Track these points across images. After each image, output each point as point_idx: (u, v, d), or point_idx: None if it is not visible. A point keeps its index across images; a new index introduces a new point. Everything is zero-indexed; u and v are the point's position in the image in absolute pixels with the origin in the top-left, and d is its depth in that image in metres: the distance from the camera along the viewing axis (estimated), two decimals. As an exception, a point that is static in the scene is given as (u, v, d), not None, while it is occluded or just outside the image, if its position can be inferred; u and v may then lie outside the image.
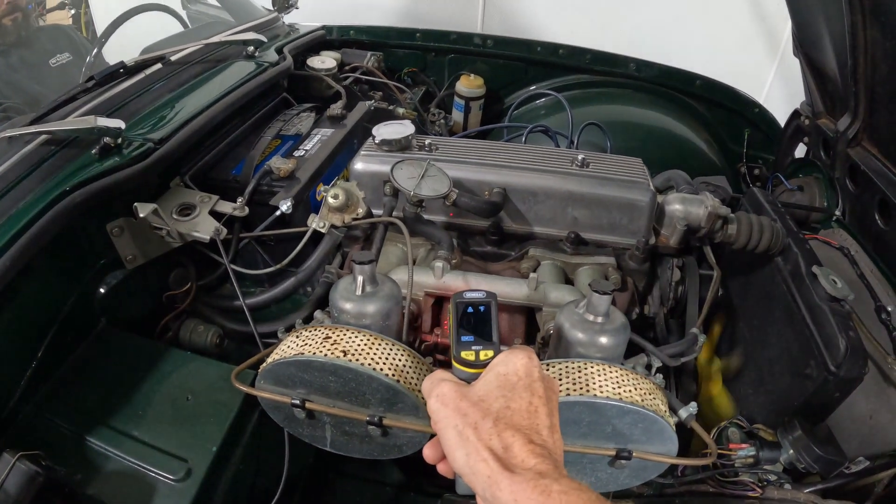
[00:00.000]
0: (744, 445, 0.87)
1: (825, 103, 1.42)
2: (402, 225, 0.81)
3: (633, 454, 0.61)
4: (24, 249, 0.69)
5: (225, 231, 0.85)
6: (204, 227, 0.84)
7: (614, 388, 0.59)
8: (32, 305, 0.76)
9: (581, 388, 0.59)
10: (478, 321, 0.55)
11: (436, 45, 1.65)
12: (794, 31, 1.42)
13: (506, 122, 1.53)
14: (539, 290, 0.85)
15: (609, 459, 0.62)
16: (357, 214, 0.90)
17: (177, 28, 1.71)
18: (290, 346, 0.63)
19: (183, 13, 1.83)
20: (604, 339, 0.65)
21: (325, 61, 1.39)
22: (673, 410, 0.71)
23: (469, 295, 0.56)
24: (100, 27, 2.19)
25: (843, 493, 0.87)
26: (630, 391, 0.60)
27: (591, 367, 0.62)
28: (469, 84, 1.61)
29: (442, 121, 1.61)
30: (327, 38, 1.60)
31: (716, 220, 1.02)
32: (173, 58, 1.05)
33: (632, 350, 0.83)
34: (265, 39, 1.28)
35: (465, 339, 0.52)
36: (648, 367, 0.76)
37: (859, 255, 1.21)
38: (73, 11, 2.04)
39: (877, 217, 1.17)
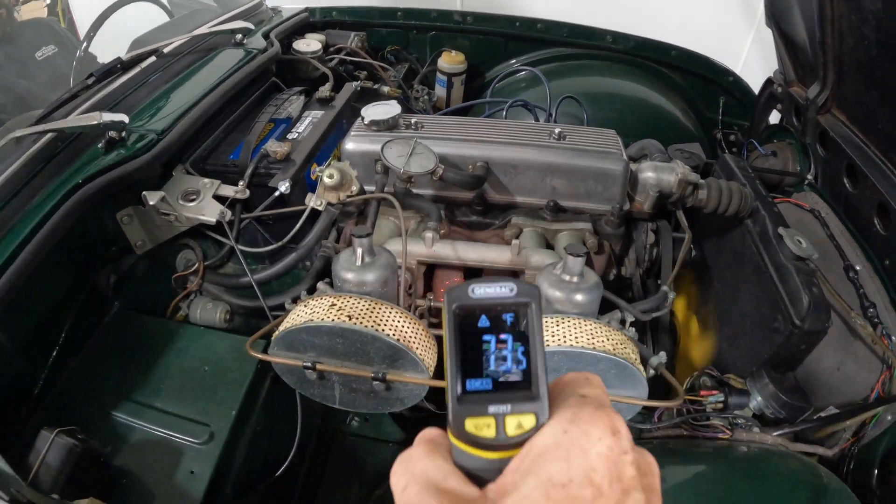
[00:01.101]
0: (713, 392, 0.96)
1: (796, 72, 1.48)
2: (395, 200, 0.88)
3: (611, 398, 0.70)
4: (44, 242, 0.75)
5: (230, 213, 0.91)
6: (209, 211, 0.90)
7: (588, 339, 0.67)
8: (52, 293, 0.82)
9: (559, 340, 0.67)
10: (499, 346, 0.28)
11: (417, 23, 1.68)
12: (767, 2, 1.46)
13: (487, 97, 1.57)
14: (521, 254, 0.92)
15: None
16: (351, 192, 0.96)
17: (160, 15, 1.70)
18: (300, 315, 0.70)
19: (166, 1, 1.82)
20: (579, 297, 0.73)
21: (310, 44, 1.42)
22: (644, 360, 0.79)
23: (480, 291, 0.28)
24: (77, 16, 2.16)
25: (811, 439, 0.96)
26: (603, 341, 0.68)
27: (568, 321, 0.70)
28: (451, 60, 1.64)
29: (426, 97, 1.65)
30: (310, 21, 1.62)
31: (686, 186, 1.09)
32: (166, 50, 1.08)
33: (608, 307, 0.91)
34: (252, 27, 1.31)
35: (473, 385, 0.27)
36: (623, 322, 0.84)
37: (829, 217, 1.29)
38: (48, 1, 2.02)
39: (845, 181, 1.24)
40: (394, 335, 0.67)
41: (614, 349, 0.68)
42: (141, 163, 0.85)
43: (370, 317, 0.68)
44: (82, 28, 1.89)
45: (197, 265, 0.96)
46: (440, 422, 0.28)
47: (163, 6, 1.69)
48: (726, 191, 1.10)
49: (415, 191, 1.01)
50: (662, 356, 0.79)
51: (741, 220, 1.15)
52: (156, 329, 0.89)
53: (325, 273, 1.00)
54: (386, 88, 1.47)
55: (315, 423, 1.04)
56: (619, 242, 1.10)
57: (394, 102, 1.06)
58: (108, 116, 0.85)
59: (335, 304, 0.69)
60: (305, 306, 0.72)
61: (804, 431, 0.94)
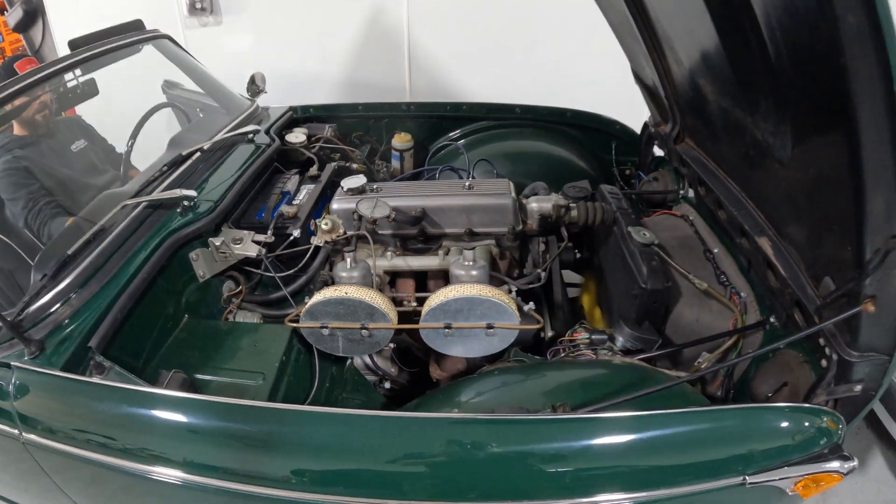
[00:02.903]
0: (580, 333, 1.60)
1: (660, 114, 2.19)
2: (368, 235, 1.56)
3: (495, 325, 1.35)
4: (149, 272, 1.37)
5: (264, 250, 1.56)
6: (251, 249, 1.55)
7: (477, 291, 1.33)
8: (154, 305, 1.44)
9: (459, 292, 1.33)
10: None
11: (374, 113, 2.44)
12: (630, 64, 2.22)
13: (426, 165, 2.31)
14: (445, 259, 1.60)
15: (484, 331, 1.35)
16: (339, 234, 1.64)
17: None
18: (318, 297, 1.35)
19: (164, 97, 2.51)
20: (473, 272, 1.40)
21: (297, 136, 2.15)
22: (520, 308, 1.44)
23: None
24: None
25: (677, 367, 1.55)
26: (485, 292, 1.34)
27: (466, 285, 1.36)
28: (401, 140, 2.39)
29: (385, 169, 2.37)
30: (294, 116, 2.36)
31: (560, 209, 1.80)
32: (205, 147, 1.78)
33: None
34: (260, 128, 2.02)
35: None
36: (508, 290, 1.50)
37: (696, 219, 1.94)
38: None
39: (699, 189, 1.89)
40: (370, 300, 1.32)
41: (492, 295, 1.34)
42: (207, 221, 1.51)
43: (357, 292, 1.33)
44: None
45: (241, 288, 1.60)
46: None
47: (181, 111, 2.40)
48: (591, 209, 1.80)
49: (379, 231, 1.70)
50: (531, 305, 1.45)
51: (609, 229, 1.85)
52: (219, 327, 1.51)
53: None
54: (355, 165, 2.19)
55: (326, 380, 1.62)
56: (517, 252, 1.79)
57: (361, 176, 1.77)
58: (184, 192, 1.52)
59: (338, 289, 1.35)
60: (319, 293, 1.37)
61: (673, 363, 1.55)
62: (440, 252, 1.63)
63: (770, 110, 1.20)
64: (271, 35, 2.93)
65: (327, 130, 2.30)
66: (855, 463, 1.07)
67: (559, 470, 1.00)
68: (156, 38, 1.99)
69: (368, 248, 1.66)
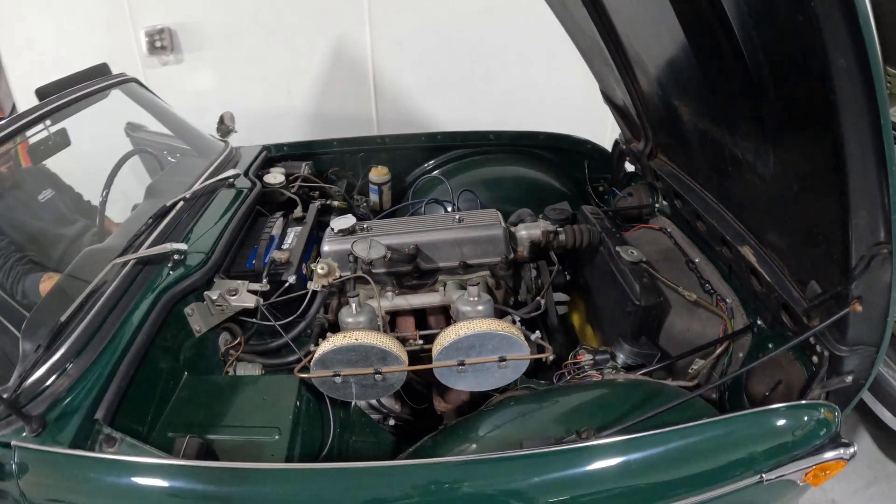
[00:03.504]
0: (584, 355, 1.66)
1: (631, 132, 2.30)
2: (368, 277, 1.57)
3: (508, 357, 1.38)
4: (148, 334, 1.34)
5: (262, 300, 1.55)
6: (248, 299, 1.53)
7: (487, 326, 1.37)
8: (153, 367, 1.40)
9: (470, 329, 1.36)
10: None
11: (349, 147, 2.46)
12: (599, 86, 2.34)
13: (409, 197, 2.35)
14: (446, 295, 1.64)
15: (496, 364, 1.39)
16: (336, 276, 1.64)
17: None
18: (328, 345, 1.35)
19: (127, 140, 2.45)
20: (479, 308, 1.44)
21: (276, 177, 2.14)
22: (527, 337, 1.49)
23: None
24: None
25: (674, 377, 1.63)
26: (494, 326, 1.38)
27: (475, 321, 1.39)
28: (378, 173, 2.42)
29: (365, 203, 2.39)
30: (269, 156, 2.36)
31: (549, 234, 1.87)
32: (187, 196, 1.75)
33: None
34: (240, 173, 2.00)
35: None
36: (513, 321, 1.54)
37: (674, 231, 2.05)
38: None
39: (675, 202, 2.01)
40: (381, 345, 1.34)
41: (502, 329, 1.38)
42: (200, 275, 1.49)
43: (367, 337, 1.34)
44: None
45: (239, 339, 1.58)
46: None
47: (151, 156, 2.34)
48: (578, 232, 1.89)
49: (374, 270, 1.71)
50: (538, 334, 1.50)
51: (596, 249, 1.94)
52: (221, 383, 1.47)
53: (322, 335, 1.65)
54: (335, 203, 2.21)
55: (337, 428, 1.61)
56: (510, 280, 1.84)
57: (350, 216, 1.79)
58: (175, 245, 1.49)
59: (347, 335, 1.35)
60: (328, 341, 1.37)
61: (671, 370, 1.63)
62: (440, 288, 1.66)
63: (750, 131, 1.31)
64: (234, 72, 2.92)
65: (304, 168, 2.30)
66: (855, 448, 1.19)
67: (601, 492, 1.06)
68: (124, 81, 1.96)
69: (366, 289, 1.68)
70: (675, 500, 1.10)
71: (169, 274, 1.49)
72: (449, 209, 2.22)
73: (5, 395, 1.10)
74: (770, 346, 1.51)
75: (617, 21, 1.71)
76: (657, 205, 2.23)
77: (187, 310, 1.50)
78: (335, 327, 1.76)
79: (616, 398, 1.38)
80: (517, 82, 3.22)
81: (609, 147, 2.52)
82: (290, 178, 2.24)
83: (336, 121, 3.12)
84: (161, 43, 2.73)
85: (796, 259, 1.38)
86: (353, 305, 1.42)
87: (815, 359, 1.31)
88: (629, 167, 2.44)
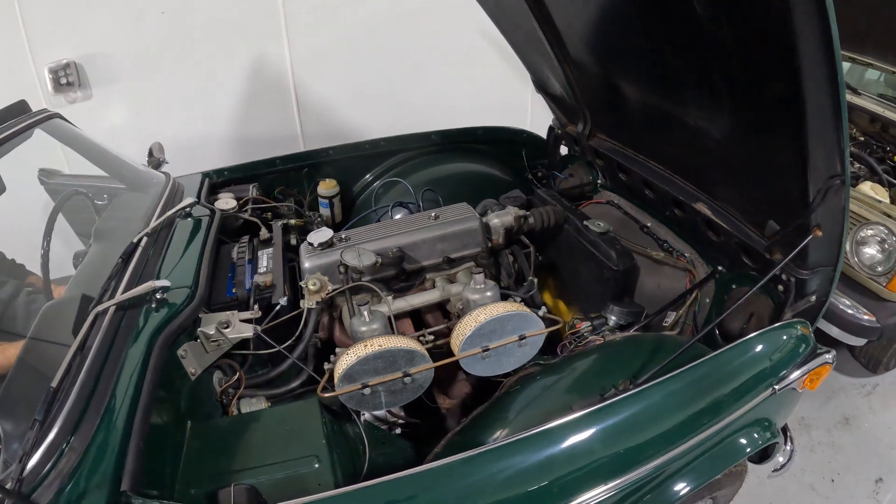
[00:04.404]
0: (583, 323, 1.76)
1: (566, 116, 2.44)
2: (371, 285, 1.55)
3: (527, 335, 1.43)
4: (151, 386, 1.20)
5: (259, 328, 1.46)
6: (245, 330, 1.44)
7: (502, 309, 1.41)
8: (160, 421, 1.26)
9: (488, 314, 1.39)
10: None
11: (293, 164, 2.38)
12: (532, 77, 2.46)
13: (373, 205, 2.32)
14: (445, 290, 1.65)
15: (517, 343, 1.43)
16: (328, 291, 1.59)
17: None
18: (350, 359, 1.31)
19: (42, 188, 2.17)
20: (489, 293, 1.48)
21: (227, 202, 2.02)
22: (535, 312, 1.56)
23: None
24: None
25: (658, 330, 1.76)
26: (509, 307, 1.42)
27: (490, 306, 1.43)
28: (327, 186, 2.36)
29: (319, 218, 2.33)
30: (213, 182, 2.21)
31: (520, 219, 1.95)
32: (148, 231, 1.60)
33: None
34: (197, 201, 1.85)
35: None
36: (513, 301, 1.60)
37: (621, 201, 2.23)
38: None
39: (620, 175, 2.16)
40: (407, 346, 1.32)
41: (516, 309, 1.43)
42: (191, 310, 1.36)
43: (391, 341, 1.32)
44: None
45: (238, 375, 1.47)
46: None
47: (93, 207, 2.07)
48: (545, 214, 1.98)
49: (363, 278, 1.68)
50: (543, 309, 1.57)
51: (561, 228, 2.05)
52: (232, 424, 1.35)
53: (317, 355, 1.60)
54: (293, 221, 2.12)
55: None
56: (492, 267, 1.90)
57: (326, 229, 1.74)
58: (157, 283, 1.36)
59: (367, 345, 1.32)
60: (348, 354, 1.33)
61: (649, 325, 1.78)
62: (434, 285, 1.67)
63: (703, 100, 1.47)
64: (148, 103, 2.68)
65: (252, 191, 2.19)
66: (834, 353, 1.39)
67: (656, 430, 1.20)
68: (47, 118, 1.74)
69: (358, 298, 1.64)
70: (721, 418, 1.26)
71: (153, 315, 1.35)
72: (412, 210, 2.23)
73: (8, 486, 0.94)
74: (733, 286, 1.72)
75: (556, 15, 1.84)
76: (599, 181, 2.41)
77: (180, 351, 1.37)
78: (328, 345, 1.71)
79: (627, 353, 1.48)
80: (437, 83, 3.29)
81: (539, 133, 2.68)
82: (241, 201, 2.12)
83: (260, 142, 2.98)
84: (67, 79, 2.43)
85: (751, 205, 1.58)
86: (365, 313, 1.39)
87: (780, 287, 1.51)
88: (563, 150, 2.61)
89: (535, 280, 1.79)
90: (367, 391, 1.32)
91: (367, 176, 2.51)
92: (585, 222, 1.92)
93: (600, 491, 1.13)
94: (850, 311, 2.09)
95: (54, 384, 1.10)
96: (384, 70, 3.13)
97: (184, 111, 2.75)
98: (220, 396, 1.46)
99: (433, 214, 1.83)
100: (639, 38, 1.56)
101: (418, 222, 1.82)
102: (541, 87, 2.40)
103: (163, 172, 2.04)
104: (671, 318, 1.88)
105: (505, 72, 3.39)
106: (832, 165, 1.19)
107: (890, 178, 2.58)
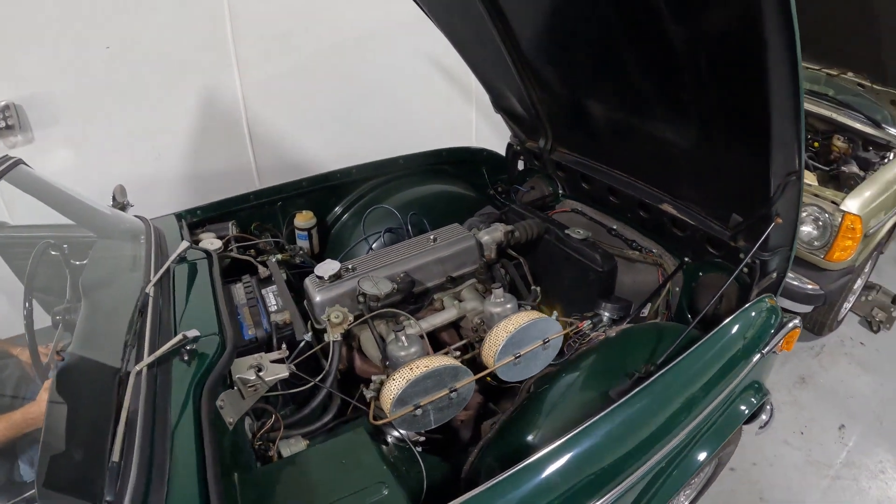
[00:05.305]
0: (582, 323, 1.91)
1: (526, 133, 2.59)
2: (399, 312, 1.60)
3: (549, 338, 1.56)
4: (212, 445, 1.16)
5: (293, 366, 1.45)
6: (280, 370, 1.42)
7: (526, 318, 1.52)
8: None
9: (516, 324, 1.50)
10: None
11: (266, 199, 2.34)
12: (490, 98, 2.60)
13: (363, 232, 2.33)
14: (461, 307, 1.74)
15: (542, 347, 1.55)
16: (349, 322, 1.62)
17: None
18: (400, 383, 1.35)
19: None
20: (509, 305, 1.59)
21: (213, 242, 1.96)
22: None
23: None
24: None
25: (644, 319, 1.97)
26: (532, 316, 1.54)
27: (514, 317, 1.54)
28: (304, 218, 2.35)
29: (301, 251, 2.31)
30: (187, 223, 2.12)
31: (508, 234, 2.08)
32: (153, 280, 1.53)
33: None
34: (190, 244, 1.77)
35: None
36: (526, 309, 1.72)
37: (585, 208, 2.41)
38: None
39: (583, 185, 2.36)
40: (450, 363, 1.39)
41: (539, 316, 1.55)
42: (227, 356, 1.33)
43: (434, 361, 1.38)
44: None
45: (274, 417, 1.45)
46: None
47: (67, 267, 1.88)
48: (528, 227, 2.13)
49: (377, 304, 1.72)
50: (556, 314, 1.70)
51: (542, 238, 2.21)
52: (282, 470, 1.31)
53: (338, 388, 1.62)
54: (280, 256, 2.10)
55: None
56: (489, 282, 2.01)
57: (331, 261, 1.77)
58: (187, 333, 1.31)
59: (414, 366, 1.38)
60: (396, 380, 1.37)
61: (637, 318, 1.97)
62: (447, 302, 1.76)
63: (670, 115, 1.69)
64: (95, 143, 2.48)
65: (231, 228, 2.14)
66: (800, 317, 1.66)
67: (687, 395, 1.41)
68: (14, 165, 1.60)
69: (377, 324, 1.69)
70: (726, 385, 1.48)
71: (188, 368, 1.31)
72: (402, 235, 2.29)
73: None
74: (700, 273, 1.96)
75: (521, 36, 1.99)
76: (560, 192, 2.61)
77: (218, 402, 1.33)
78: (347, 375, 1.73)
79: (634, 342, 1.65)
80: (388, 108, 3.36)
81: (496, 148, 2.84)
82: (223, 241, 2.07)
83: (213, 178, 2.87)
84: (6, 122, 2.19)
85: (714, 202, 1.82)
86: (403, 339, 1.44)
87: (745, 270, 1.76)
88: (521, 165, 2.79)
89: (539, 289, 1.92)
90: (418, 412, 1.37)
91: (338, 208, 2.53)
92: (566, 231, 2.09)
93: (651, 464, 1.28)
94: (796, 284, 2.43)
95: (115, 458, 1.03)
96: (335, 98, 3.15)
97: (132, 151, 2.60)
98: (256, 442, 1.44)
99: (432, 237, 1.91)
100: (606, 58, 1.73)
101: (419, 246, 1.89)
102: (500, 106, 2.55)
103: (137, 217, 1.94)
104: (647, 308, 2.10)
105: (450, 92, 3.55)
106: (791, 164, 1.44)
107: (814, 163, 3.02)
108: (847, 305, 2.99)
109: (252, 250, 2.14)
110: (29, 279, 1.62)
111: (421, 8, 2.20)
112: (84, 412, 1.22)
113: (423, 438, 1.71)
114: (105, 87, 2.40)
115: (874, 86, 3.00)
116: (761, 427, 1.75)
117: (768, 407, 1.75)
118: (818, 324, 2.88)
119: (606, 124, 2.05)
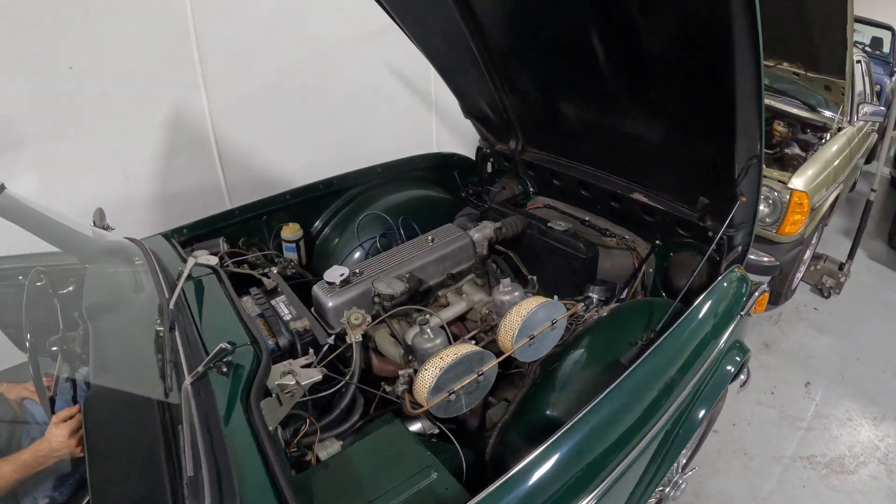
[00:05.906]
0: (577, 306, 2.06)
1: (496, 137, 2.73)
2: (422, 307, 1.67)
3: (556, 318, 1.68)
4: (274, 450, 1.17)
5: (324, 369, 1.49)
6: (313, 374, 1.45)
7: (535, 303, 1.64)
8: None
9: (528, 308, 1.62)
10: None
11: (252, 213, 2.34)
12: (460, 104, 2.71)
13: (358, 238, 2.37)
14: (468, 299, 1.84)
15: (550, 328, 1.68)
16: (367, 322, 1.67)
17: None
18: (434, 371, 1.43)
19: None
20: (516, 293, 1.70)
21: (210, 259, 1.94)
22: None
23: None
24: None
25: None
26: (539, 300, 1.66)
27: (523, 303, 1.65)
28: (291, 231, 2.37)
29: (292, 262, 2.32)
30: (176, 241, 2.09)
31: (497, 231, 2.21)
32: (175, 297, 1.52)
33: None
34: (196, 261, 1.74)
35: None
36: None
37: (557, 203, 2.60)
38: None
39: (554, 181, 2.52)
40: (476, 348, 1.49)
41: (545, 301, 1.68)
42: (266, 364, 1.34)
43: (461, 348, 1.47)
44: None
45: (307, 420, 1.47)
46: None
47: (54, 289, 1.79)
48: (513, 223, 2.26)
49: (388, 304, 1.79)
50: (556, 298, 1.83)
51: (524, 232, 2.35)
52: (326, 470, 1.34)
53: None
54: (274, 270, 2.11)
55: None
56: (486, 275, 2.13)
57: (339, 266, 1.81)
58: (222, 345, 1.31)
59: (444, 355, 1.46)
60: (426, 370, 1.45)
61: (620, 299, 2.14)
62: (452, 297, 1.87)
63: (641, 113, 1.88)
64: (60, 166, 2.35)
65: (222, 245, 2.13)
66: (766, 282, 1.88)
67: (688, 351, 1.60)
68: None
69: (395, 321, 1.76)
70: (714, 347, 1.68)
71: (227, 379, 1.32)
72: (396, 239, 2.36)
73: None
74: (671, 253, 2.17)
75: (493, 40, 2.12)
76: (531, 189, 2.78)
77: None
78: (365, 374, 1.78)
79: (627, 318, 1.82)
80: (353, 119, 3.39)
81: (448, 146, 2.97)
82: (217, 257, 2.05)
83: (183, 197, 2.80)
84: None
85: (682, 187, 2.03)
86: (428, 332, 1.52)
87: (714, 245, 1.98)
88: (489, 168, 2.94)
89: (535, 277, 2.05)
90: (452, 397, 1.45)
91: (322, 218, 2.56)
92: (549, 224, 2.24)
93: (664, 420, 1.43)
94: (753, 257, 2.71)
95: (190, 472, 1.04)
96: (301, 112, 3.16)
97: (97, 173, 2.49)
98: (292, 450, 1.46)
99: (429, 238, 2.00)
100: (578, 58, 1.86)
101: (419, 247, 1.98)
102: (470, 112, 2.69)
103: (128, 238, 1.90)
104: (626, 289, 2.29)
105: (411, 101, 3.65)
106: (753, 149, 1.65)
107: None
108: (799, 275, 3.33)
109: (245, 265, 2.14)
110: (27, 311, 1.55)
111: (392, 17, 2.28)
112: (127, 435, 1.21)
113: (437, 430, 1.80)
114: (70, 108, 2.30)
115: (808, 74, 3.36)
116: (742, 385, 1.96)
117: (747, 368, 1.97)
118: (774, 293, 3.19)
119: (577, 123, 2.22)
